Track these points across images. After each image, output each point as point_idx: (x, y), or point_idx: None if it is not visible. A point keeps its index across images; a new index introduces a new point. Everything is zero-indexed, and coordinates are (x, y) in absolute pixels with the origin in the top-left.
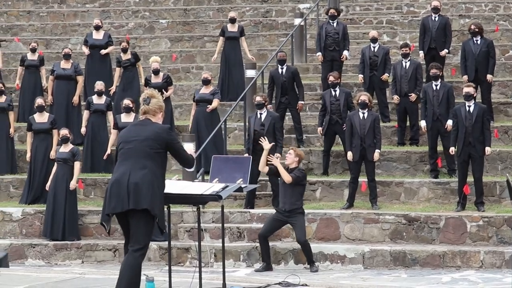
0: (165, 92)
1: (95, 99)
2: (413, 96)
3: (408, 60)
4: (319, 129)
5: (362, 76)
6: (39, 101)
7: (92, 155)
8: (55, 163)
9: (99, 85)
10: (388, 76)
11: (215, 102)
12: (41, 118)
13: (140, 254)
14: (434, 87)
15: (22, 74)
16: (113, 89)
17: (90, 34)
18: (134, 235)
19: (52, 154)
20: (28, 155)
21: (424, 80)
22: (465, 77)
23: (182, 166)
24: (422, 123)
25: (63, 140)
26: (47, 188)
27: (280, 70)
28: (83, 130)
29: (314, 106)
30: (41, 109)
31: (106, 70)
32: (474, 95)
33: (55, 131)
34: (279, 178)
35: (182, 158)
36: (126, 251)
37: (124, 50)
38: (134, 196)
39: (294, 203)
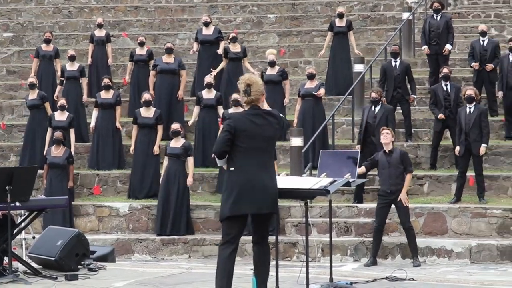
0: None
1: (204, 94)
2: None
3: None
4: (440, 115)
5: (475, 63)
6: (146, 96)
7: (203, 150)
8: (167, 158)
9: (208, 78)
10: (493, 67)
11: (322, 90)
12: (147, 112)
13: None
14: None
15: (131, 69)
16: (213, 75)
17: (200, 30)
18: (262, 230)
19: (156, 150)
20: (132, 147)
21: None
22: None
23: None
24: None
25: (174, 134)
26: (160, 181)
27: (393, 64)
28: (190, 122)
29: (422, 100)
30: (147, 104)
31: (217, 66)
32: None
33: (159, 127)
34: (378, 160)
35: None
36: (234, 249)
37: (234, 40)
38: (271, 200)
39: (399, 183)
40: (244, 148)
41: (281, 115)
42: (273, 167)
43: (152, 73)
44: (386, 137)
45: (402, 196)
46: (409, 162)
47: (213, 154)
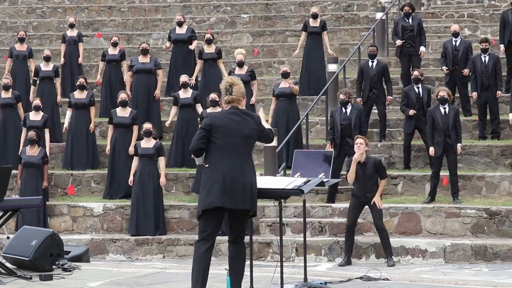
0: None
1: (181, 93)
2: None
3: (488, 55)
4: (412, 111)
5: (445, 67)
6: (122, 95)
7: (182, 149)
8: (138, 159)
9: (184, 77)
10: (469, 71)
11: (296, 86)
12: (123, 112)
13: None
14: None
15: (103, 69)
16: (192, 80)
17: (173, 30)
18: (239, 228)
19: (131, 150)
20: (108, 147)
21: (504, 74)
22: None
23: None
24: (511, 116)
25: (146, 134)
26: (130, 183)
27: (370, 64)
28: (168, 123)
29: (396, 100)
30: (124, 104)
31: (190, 65)
32: None
33: (135, 127)
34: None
35: (267, 140)
36: (209, 246)
37: (208, 42)
38: (250, 197)
39: (374, 189)
40: (221, 145)
41: (271, 128)
42: (251, 166)
43: (128, 73)
44: (359, 147)
45: (376, 199)
46: (383, 169)
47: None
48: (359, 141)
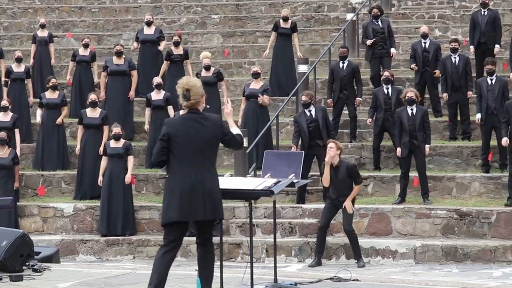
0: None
1: (153, 95)
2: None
3: (458, 55)
4: (369, 119)
5: (414, 65)
6: (92, 96)
7: None
8: (107, 159)
9: (158, 79)
10: (440, 72)
11: (266, 99)
12: (93, 113)
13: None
14: (489, 81)
15: (73, 69)
16: (159, 76)
17: (141, 30)
18: (206, 232)
19: (101, 150)
20: (78, 148)
21: (474, 74)
22: None
23: (233, 149)
24: (478, 115)
25: (115, 138)
26: (99, 183)
27: (341, 65)
28: (146, 127)
29: (366, 101)
30: (94, 104)
31: (158, 65)
32: None
33: (105, 127)
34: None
35: (233, 145)
36: (167, 250)
37: (176, 44)
38: (212, 206)
39: (347, 194)
40: (180, 154)
41: (240, 133)
42: (213, 172)
43: (103, 74)
44: (330, 151)
45: (346, 203)
46: (357, 175)
47: None
48: (330, 145)
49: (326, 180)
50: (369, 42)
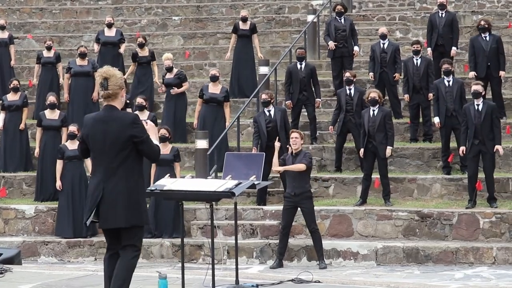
0: (175, 88)
1: None
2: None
3: (420, 57)
4: (331, 127)
5: (372, 74)
6: (51, 98)
7: None
8: (64, 162)
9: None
10: (400, 75)
11: (227, 106)
12: (52, 114)
13: (136, 255)
14: (447, 83)
15: (38, 71)
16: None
17: (102, 32)
18: (114, 244)
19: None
20: (37, 150)
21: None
22: (471, 73)
23: (148, 159)
24: (436, 119)
25: (71, 137)
26: (58, 187)
27: (299, 66)
28: None
29: (327, 102)
30: (52, 106)
31: (118, 67)
32: (483, 93)
33: (64, 129)
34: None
35: (146, 151)
36: (112, 254)
37: (141, 45)
38: (125, 211)
39: (303, 186)
40: (94, 155)
41: (158, 145)
42: (123, 176)
43: (66, 75)
44: (295, 141)
45: (278, 167)
46: (307, 158)
47: None
48: (294, 135)
49: (275, 164)
50: (331, 44)
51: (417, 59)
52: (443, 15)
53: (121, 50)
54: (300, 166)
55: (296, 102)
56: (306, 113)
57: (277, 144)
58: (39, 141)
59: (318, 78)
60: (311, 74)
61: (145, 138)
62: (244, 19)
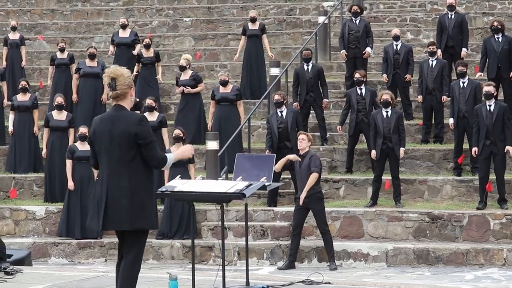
0: (188, 88)
1: None
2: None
3: (435, 59)
4: (339, 127)
5: (386, 75)
6: (58, 99)
7: None
8: (73, 162)
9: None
10: (412, 77)
11: (240, 105)
12: (59, 115)
13: (136, 265)
14: (461, 85)
15: (52, 73)
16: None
17: (116, 33)
18: (127, 247)
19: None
20: (44, 151)
21: (454, 78)
22: (479, 74)
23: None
24: (450, 120)
25: (81, 138)
26: (70, 187)
27: (305, 68)
28: None
29: (338, 104)
30: (60, 107)
31: (133, 68)
32: (495, 94)
33: (71, 130)
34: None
35: (150, 157)
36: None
37: (147, 46)
38: (131, 213)
39: (314, 187)
40: (100, 157)
41: (167, 156)
42: (131, 175)
43: (75, 76)
44: (301, 143)
45: (302, 195)
46: (315, 163)
47: None
48: (301, 136)
49: (277, 167)
50: (343, 53)
51: (432, 61)
52: (453, 16)
53: (135, 51)
54: (312, 180)
55: (303, 104)
56: (314, 115)
57: (290, 157)
58: (46, 142)
59: (329, 80)
60: (318, 75)
61: (149, 142)
62: (253, 20)
